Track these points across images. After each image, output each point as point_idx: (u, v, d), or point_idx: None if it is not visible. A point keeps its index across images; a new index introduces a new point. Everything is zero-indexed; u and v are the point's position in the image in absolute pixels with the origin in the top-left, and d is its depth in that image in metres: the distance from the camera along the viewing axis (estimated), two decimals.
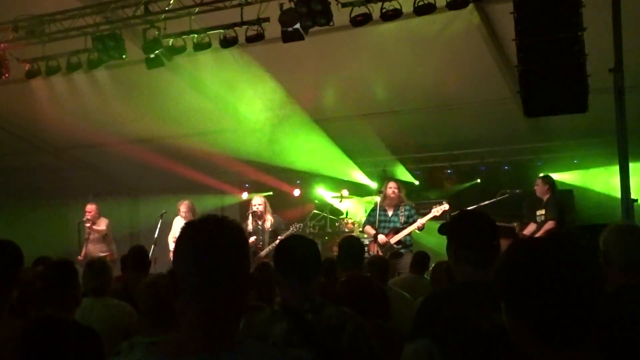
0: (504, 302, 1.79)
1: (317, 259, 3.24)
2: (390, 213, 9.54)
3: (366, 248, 9.83)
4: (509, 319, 1.77)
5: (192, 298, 1.94)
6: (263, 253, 9.78)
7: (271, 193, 13.31)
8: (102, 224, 10.97)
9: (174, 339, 1.95)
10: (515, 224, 9.48)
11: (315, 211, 12.75)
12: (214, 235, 1.94)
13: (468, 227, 3.01)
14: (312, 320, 3.08)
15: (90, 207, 11.02)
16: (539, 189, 9.53)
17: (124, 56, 8.55)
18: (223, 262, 1.91)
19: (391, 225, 9.45)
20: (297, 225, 10.37)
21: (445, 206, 9.56)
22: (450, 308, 2.80)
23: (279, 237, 9.70)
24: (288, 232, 9.98)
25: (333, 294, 4.71)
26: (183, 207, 10.82)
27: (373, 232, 9.45)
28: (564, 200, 9.79)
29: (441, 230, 3.14)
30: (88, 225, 10.87)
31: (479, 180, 12.32)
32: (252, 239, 9.89)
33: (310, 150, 11.96)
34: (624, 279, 3.21)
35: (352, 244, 5.64)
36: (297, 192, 13.56)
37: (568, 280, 1.67)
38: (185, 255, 1.95)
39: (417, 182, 12.70)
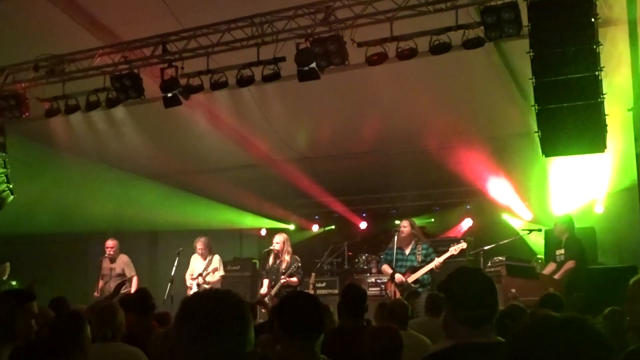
0: None
1: (319, 317, 3.18)
2: (407, 252, 9.41)
3: (383, 286, 9.75)
4: None
5: None
6: (273, 291, 9.62)
7: (292, 227, 13.30)
8: (122, 260, 11.00)
9: None
10: (536, 264, 9.29)
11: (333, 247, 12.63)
12: (211, 312, 2.01)
13: (464, 285, 2.93)
14: None
15: (112, 243, 11.08)
16: (557, 229, 9.24)
17: (142, 96, 8.60)
18: (217, 339, 1.97)
19: (408, 264, 9.32)
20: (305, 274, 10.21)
21: (463, 244, 9.40)
22: None
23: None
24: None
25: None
26: (199, 244, 10.80)
27: (390, 271, 9.32)
28: (584, 238, 9.55)
29: (438, 289, 3.09)
30: (107, 260, 10.93)
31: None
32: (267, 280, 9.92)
33: None
34: None
35: (353, 295, 5.42)
36: (315, 228, 13.52)
37: None
38: (181, 331, 2.03)
39: (432, 220, 12.50)
